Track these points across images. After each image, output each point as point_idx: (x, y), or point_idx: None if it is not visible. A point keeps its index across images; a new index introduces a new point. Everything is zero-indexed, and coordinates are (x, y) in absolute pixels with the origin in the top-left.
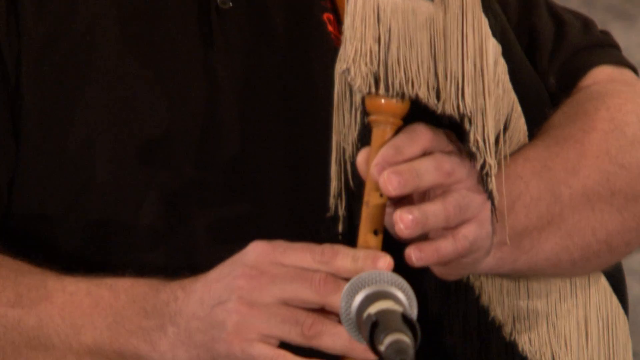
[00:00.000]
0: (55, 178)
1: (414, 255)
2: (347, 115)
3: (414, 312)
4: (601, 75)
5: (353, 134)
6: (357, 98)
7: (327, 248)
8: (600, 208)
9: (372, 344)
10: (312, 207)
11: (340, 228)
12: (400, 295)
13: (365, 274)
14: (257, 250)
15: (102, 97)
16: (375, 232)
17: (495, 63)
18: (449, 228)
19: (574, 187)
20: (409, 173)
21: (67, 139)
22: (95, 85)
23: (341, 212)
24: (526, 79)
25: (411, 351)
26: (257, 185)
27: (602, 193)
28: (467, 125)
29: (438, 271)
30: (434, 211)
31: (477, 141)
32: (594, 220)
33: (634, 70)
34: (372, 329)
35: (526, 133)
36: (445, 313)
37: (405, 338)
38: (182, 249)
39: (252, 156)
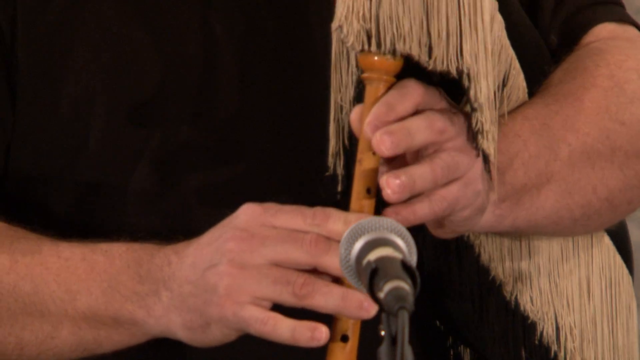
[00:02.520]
0: (49, 140)
1: (392, 218)
2: (344, 74)
3: (413, 260)
4: (603, 32)
5: (350, 93)
6: (352, 56)
7: (319, 211)
8: (600, 166)
9: (372, 291)
10: (309, 168)
11: (339, 187)
12: (399, 242)
13: (365, 220)
14: (247, 213)
15: (95, 58)
16: (369, 191)
17: (492, 19)
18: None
19: (574, 144)
20: (401, 132)
21: (61, 101)
22: (88, 45)
23: (340, 170)
24: (525, 36)
25: (410, 298)
26: (254, 146)
27: (602, 150)
28: (465, 82)
29: (433, 231)
30: (421, 174)
31: (478, 98)
32: (594, 177)
33: (638, 27)
34: (371, 276)
35: (525, 90)
36: (445, 273)
37: (405, 285)
38: (174, 213)
39: (250, 116)
